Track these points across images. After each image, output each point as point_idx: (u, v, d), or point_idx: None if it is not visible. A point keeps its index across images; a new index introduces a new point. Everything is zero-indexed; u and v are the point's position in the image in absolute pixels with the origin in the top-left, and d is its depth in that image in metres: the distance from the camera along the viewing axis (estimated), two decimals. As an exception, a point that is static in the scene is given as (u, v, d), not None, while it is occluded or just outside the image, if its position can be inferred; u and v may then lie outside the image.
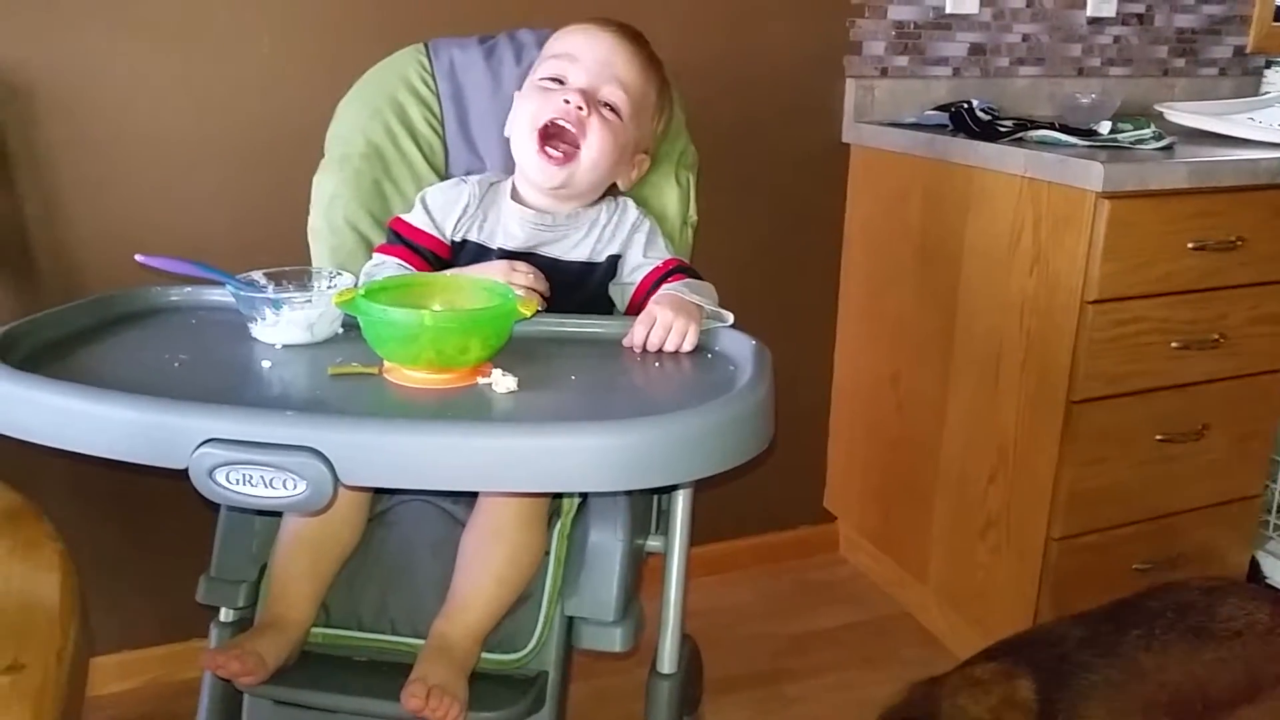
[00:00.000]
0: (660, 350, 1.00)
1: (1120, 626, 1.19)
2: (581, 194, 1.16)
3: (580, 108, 1.10)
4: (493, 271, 1.09)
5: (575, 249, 1.17)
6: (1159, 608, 1.22)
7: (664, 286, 1.10)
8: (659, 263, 1.15)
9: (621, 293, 1.18)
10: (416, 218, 1.18)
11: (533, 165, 1.13)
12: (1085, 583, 1.59)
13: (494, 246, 1.16)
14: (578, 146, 1.11)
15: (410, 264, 1.15)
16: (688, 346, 1.00)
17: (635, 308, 1.13)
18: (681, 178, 1.29)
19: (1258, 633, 1.19)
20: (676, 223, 1.29)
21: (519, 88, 1.20)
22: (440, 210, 1.18)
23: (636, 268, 1.16)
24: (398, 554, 1.11)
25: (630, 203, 1.21)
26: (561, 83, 1.12)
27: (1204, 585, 1.27)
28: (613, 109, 1.12)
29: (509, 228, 1.17)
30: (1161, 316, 1.50)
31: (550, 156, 1.11)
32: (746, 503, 1.97)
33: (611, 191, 1.21)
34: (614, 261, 1.18)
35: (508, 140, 1.18)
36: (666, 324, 1.00)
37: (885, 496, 1.94)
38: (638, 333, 1.01)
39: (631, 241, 1.18)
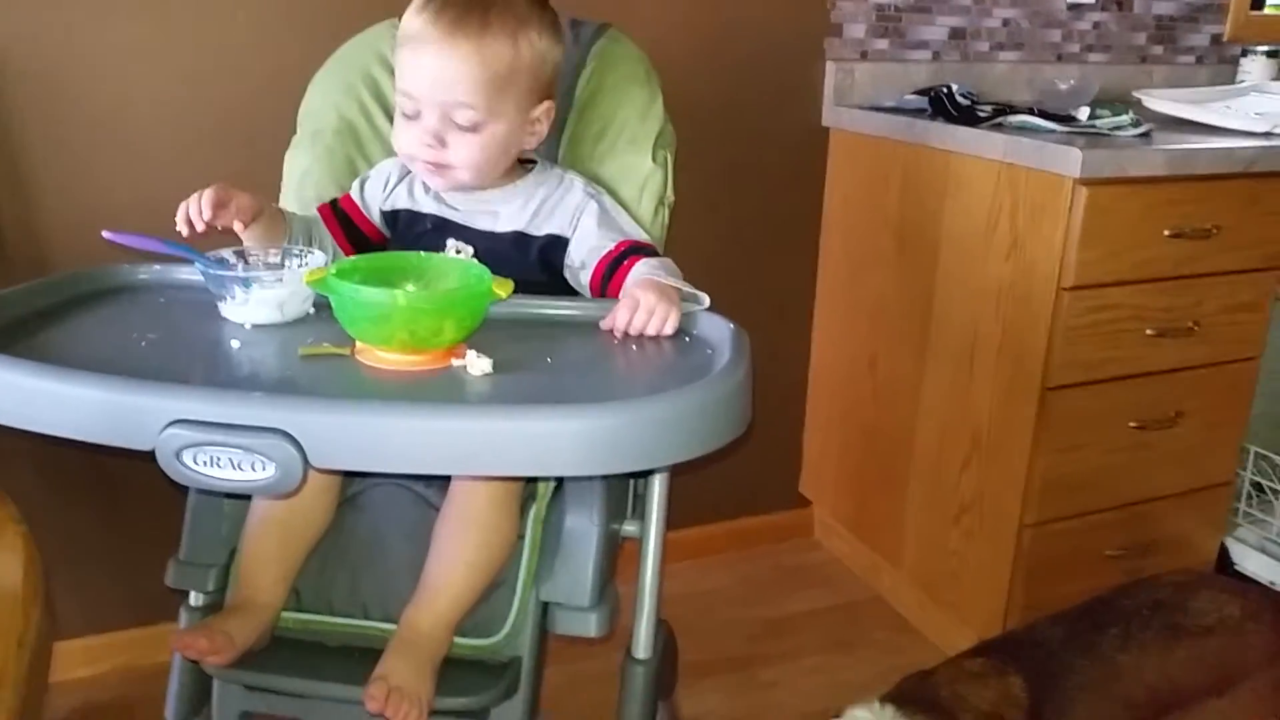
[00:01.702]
0: (640, 335, 0.99)
1: (1098, 625, 1.20)
2: (483, 182, 1.13)
3: (434, 144, 1.07)
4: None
5: (509, 220, 1.14)
6: (1134, 606, 1.22)
7: (636, 266, 1.08)
8: (612, 245, 1.12)
9: (575, 276, 1.15)
10: (356, 199, 1.20)
11: (423, 176, 1.14)
12: (1058, 569, 1.60)
13: (425, 212, 1.16)
14: (449, 168, 1.09)
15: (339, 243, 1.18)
16: (668, 330, 0.99)
17: (596, 289, 1.12)
18: (659, 157, 1.27)
19: (1229, 626, 1.20)
20: (652, 203, 1.27)
21: None
22: (369, 194, 1.19)
23: (591, 250, 1.13)
24: (369, 538, 1.10)
25: (576, 181, 1.17)
26: (417, 115, 1.07)
27: (1177, 580, 1.28)
28: (469, 124, 1.07)
29: (438, 196, 1.16)
30: (1137, 303, 1.51)
31: (431, 172, 1.10)
32: (722, 487, 1.96)
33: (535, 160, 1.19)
34: (556, 241, 1.14)
35: None
36: (649, 308, 0.99)
37: (860, 481, 1.94)
38: (620, 317, 0.99)
39: (578, 224, 1.14)
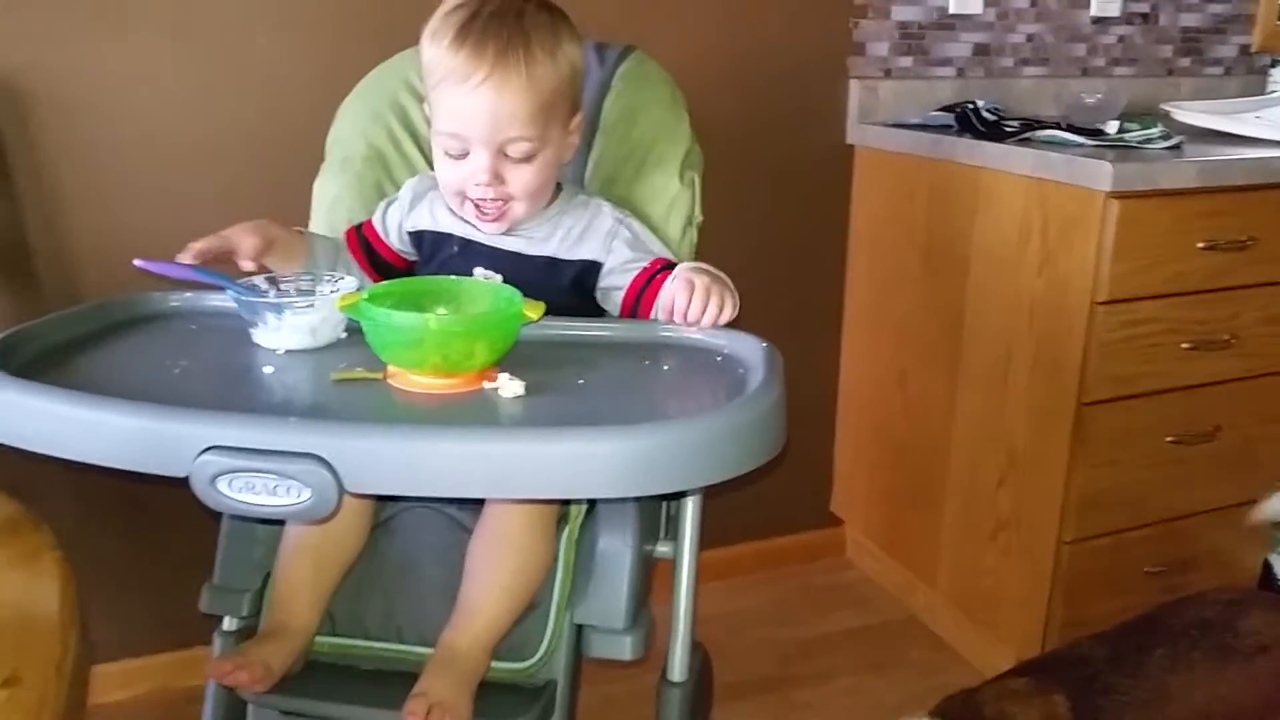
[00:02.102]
0: (697, 323, 0.99)
1: (1143, 646, 1.17)
2: (534, 211, 1.11)
3: (492, 183, 1.04)
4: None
5: (539, 245, 1.12)
6: (1181, 625, 1.20)
7: (677, 268, 1.06)
8: (647, 262, 1.11)
9: (607, 297, 1.14)
10: (377, 225, 1.19)
11: (471, 217, 1.10)
12: (1097, 586, 1.57)
13: (448, 232, 1.14)
14: (508, 201, 1.07)
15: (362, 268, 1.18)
16: (727, 317, 0.97)
17: (627, 308, 1.11)
18: (686, 177, 1.27)
19: None
20: (680, 222, 1.27)
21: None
22: (391, 219, 1.19)
23: (625, 270, 1.11)
24: (403, 561, 1.10)
25: (605, 206, 1.15)
26: (466, 154, 1.04)
27: (1224, 599, 1.25)
28: (524, 155, 1.04)
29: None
30: (1172, 317, 1.49)
31: (484, 215, 1.08)
32: (752, 507, 1.95)
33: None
34: (590, 266, 1.12)
35: None
36: (705, 289, 0.97)
37: (892, 499, 1.92)
38: (678, 301, 0.97)
39: (611, 248, 1.12)
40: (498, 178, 1.04)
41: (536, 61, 1.00)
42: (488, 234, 1.12)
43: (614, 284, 1.12)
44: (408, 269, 1.20)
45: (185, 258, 1.00)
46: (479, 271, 1.12)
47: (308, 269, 1.10)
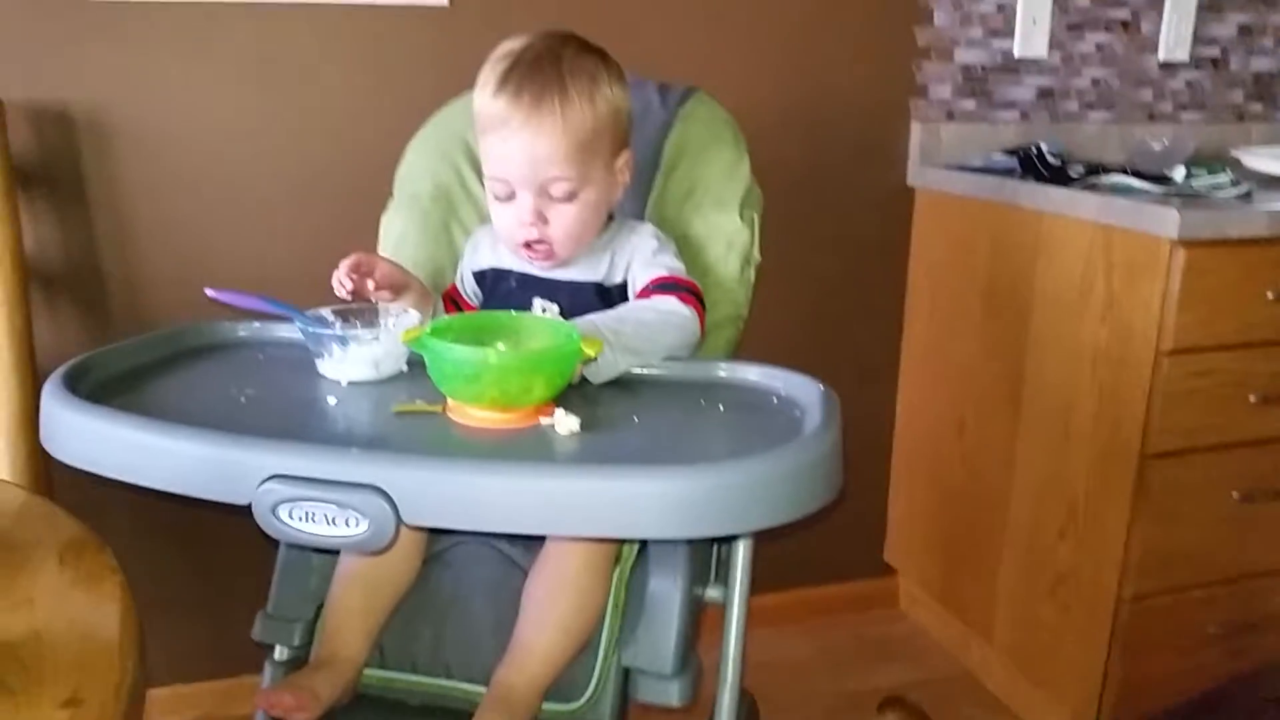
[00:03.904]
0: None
1: None
2: (582, 248, 1.14)
3: (535, 223, 1.08)
4: None
5: (589, 272, 1.15)
6: (1257, 700, 1.14)
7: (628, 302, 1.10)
8: (648, 280, 1.13)
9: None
10: (455, 282, 1.24)
11: (523, 257, 1.14)
12: (1157, 646, 1.53)
13: (508, 269, 1.17)
14: (552, 241, 1.10)
15: None
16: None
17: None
18: (745, 216, 1.27)
19: None
20: (738, 261, 1.27)
21: None
22: (463, 268, 1.23)
23: (634, 283, 1.15)
24: (454, 596, 1.10)
25: (647, 228, 1.18)
26: (512, 196, 1.09)
27: None
28: (565, 195, 1.08)
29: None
30: (1240, 369, 1.45)
31: (534, 254, 1.11)
32: (803, 553, 1.92)
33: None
34: (627, 285, 1.17)
35: None
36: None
37: (948, 550, 1.88)
38: None
39: (634, 259, 1.15)
40: (541, 217, 1.08)
41: (572, 103, 1.04)
42: (550, 268, 1.15)
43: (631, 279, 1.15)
44: None
45: (336, 277, 1.05)
46: (537, 302, 1.15)
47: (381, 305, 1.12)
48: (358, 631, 1.06)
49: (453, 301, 1.24)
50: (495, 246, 1.19)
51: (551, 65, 1.05)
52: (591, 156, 1.08)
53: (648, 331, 1.04)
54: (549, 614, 1.02)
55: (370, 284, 1.07)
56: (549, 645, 1.01)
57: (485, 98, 1.06)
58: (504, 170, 1.07)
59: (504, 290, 1.18)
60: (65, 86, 1.44)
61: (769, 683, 1.75)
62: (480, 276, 1.21)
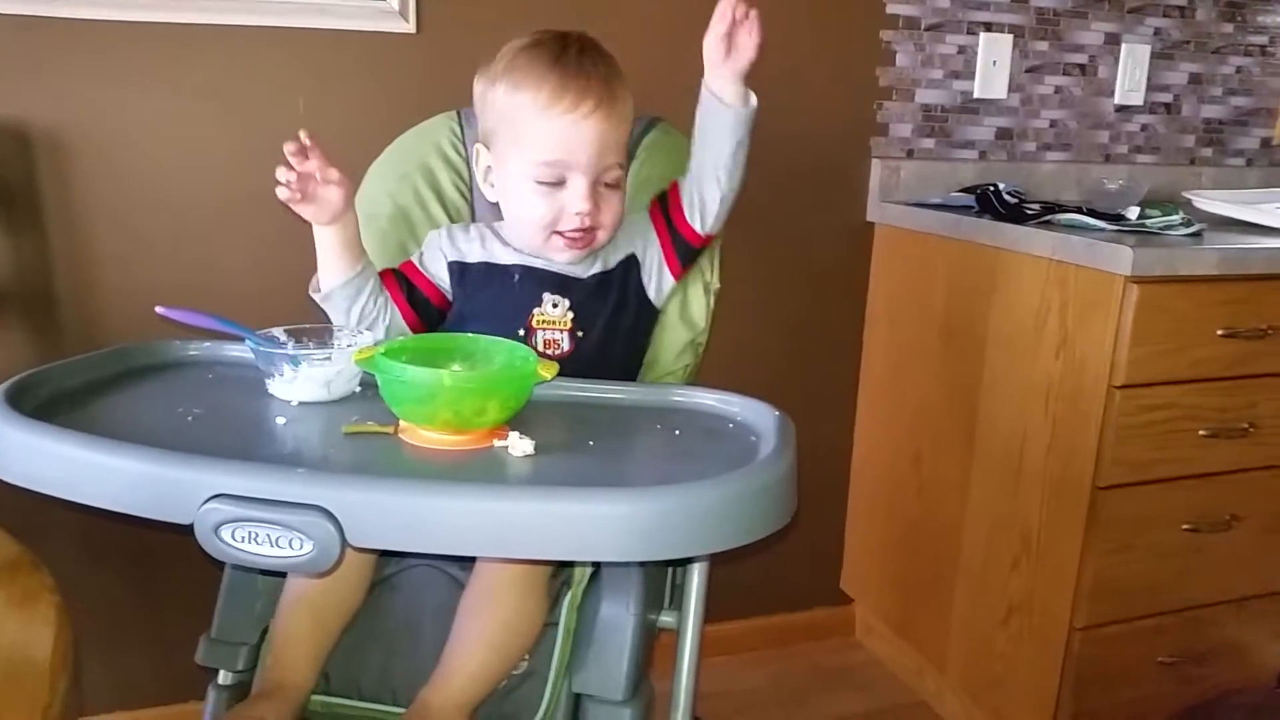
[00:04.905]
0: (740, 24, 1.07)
1: None
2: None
3: (593, 209, 1.09)
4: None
5: (590, 264, 1.16)
6: None
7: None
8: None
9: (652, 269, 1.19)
10: (418, 264, 1.20)
11: (552, 249, 1.13)
12: (1109, 675, 1.54)
13: (507, 264, 1.16)
14: (596, 230, 1.12)
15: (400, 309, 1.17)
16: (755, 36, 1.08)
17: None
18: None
19: None
20: (698, 289, 1.28)
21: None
22: (430, 259, 1.20)
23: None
24: (402, 621, 1.08)
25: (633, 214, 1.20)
26: (562, 182, 1.09)
27: (1251, 701, 1.19)
28: (615, 182, 1.12)
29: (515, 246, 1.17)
30: (1190, 403, 1.47)
31: (574, 244, 1.12)
32: (760, 581, 1.92)
33: None
34: (630, 260, 1.18)
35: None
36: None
37: (904, 580, 1.89)
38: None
39: (632, 229, 1.19)
40: (597, 205, 1.10)
41: (627, 94, 1.11)
42: (560, 263, 1.15)
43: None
44: (445, 308, 1.20)
45: (291, 147, 1.02)
46: (548, 298, 1.14)
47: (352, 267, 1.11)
48: (304, 658, 1.04)
49: (402, 280, 1.18)
50: (486, 242, 1.18)
51: (601, 56, 1.10)
52: (627, 145, 1.14)
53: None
54: (476, 632, 1.00)
55: (312, 164, 1.03)
56: (473, 664, 0.99)
57: (533, 80, 1.06)
58: (565, 154, 1.07)
59: (500, 285, 1.16)
60: (25, 106, 1.42)
61: (724, 711, 1.74)
62: (461, 269, 1.17)
